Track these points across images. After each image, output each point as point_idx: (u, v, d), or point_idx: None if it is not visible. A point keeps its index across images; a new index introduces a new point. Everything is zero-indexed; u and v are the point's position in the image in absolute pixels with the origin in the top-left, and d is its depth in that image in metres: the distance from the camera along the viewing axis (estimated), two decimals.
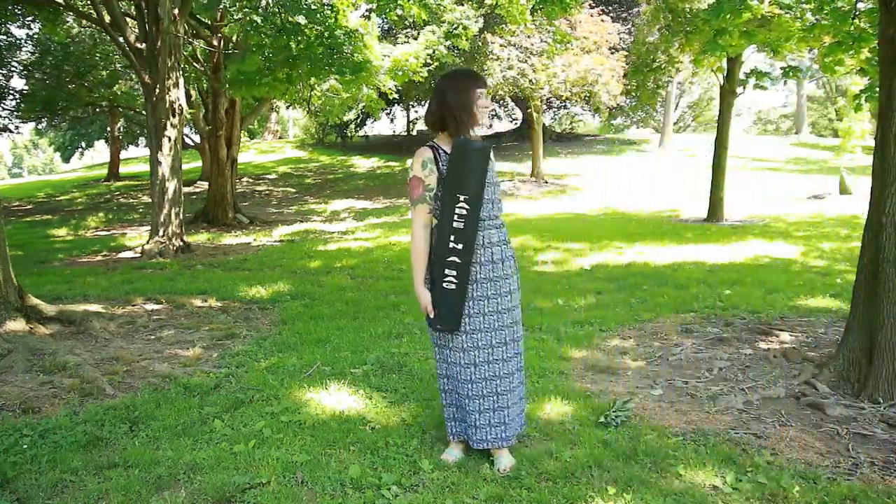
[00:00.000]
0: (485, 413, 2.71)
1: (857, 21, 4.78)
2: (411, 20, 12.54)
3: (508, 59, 17.22)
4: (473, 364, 2.68)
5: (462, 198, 2.54)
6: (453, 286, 2.58)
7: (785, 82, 8.43)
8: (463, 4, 13.57)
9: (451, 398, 2.83)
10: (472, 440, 2.74)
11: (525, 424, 2.93)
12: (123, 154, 27.51)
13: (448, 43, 13.14)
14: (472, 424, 2.72)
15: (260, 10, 10.40)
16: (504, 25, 16.14)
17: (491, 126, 35.42)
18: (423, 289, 2.66)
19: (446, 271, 2.58)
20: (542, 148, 20.29)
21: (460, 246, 2.56)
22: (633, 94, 16.65)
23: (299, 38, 9.71)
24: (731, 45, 6.06)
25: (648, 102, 17.81)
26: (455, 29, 12.94)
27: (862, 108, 5.34)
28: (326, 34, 9.87)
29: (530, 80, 17.19)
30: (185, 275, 7.72)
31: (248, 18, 10.75)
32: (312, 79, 11.29)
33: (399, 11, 11.04)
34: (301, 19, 9.70)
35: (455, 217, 2.55)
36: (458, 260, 2.57)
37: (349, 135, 30.93)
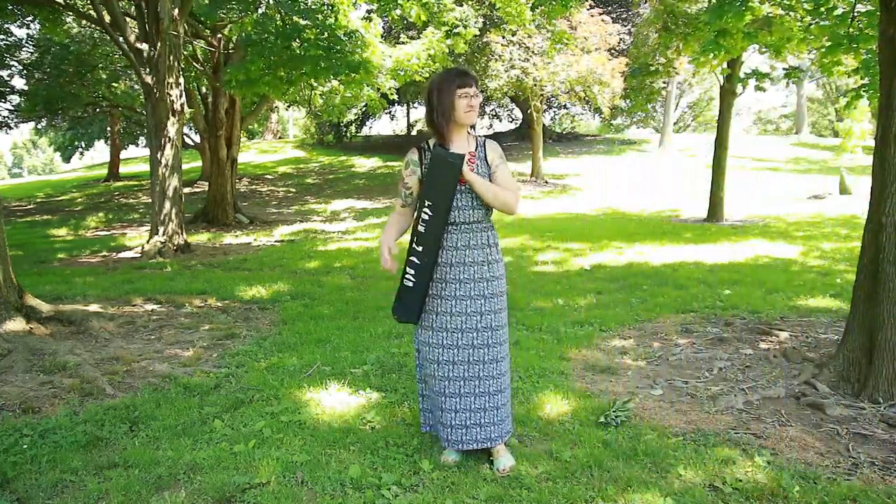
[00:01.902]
0: (447, 413, 2.77)
1: (854, 23, 4.78)
2: (411, 21, 12.54)
3: (511, 58, 17.24)
4: (437, 362, 2.76)
5: (427, 204, 2.68)
6: (411, 284, 2.74)
7: (787, 84, 8.44)
8: (462, 4, 13.56)
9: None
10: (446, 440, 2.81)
11: (458, 442, 2.75)
12: (123, 154, 27.48)
13: (449, 42, 13.14)
14: (446, 424, 2.78)
15: (258, 13, 10.39)
16: (505, 25, 16.15)
17: (491, 126, 35.46)
18: (385, 248, 2.76)
19: (407, 269, 2.74)
20: (543, 148, 20.30)
21: (420, 248, 2.71)
22: (631, 97, 16.71)
23: (298, 39, 9.71)
24: (732, 45, 6.06)
25: (642, 109, 17.90)
26: (455, 29, 12.94)
27: (853, 105, 5.33)
28: (326, 34, 9.87)
29: (533, 79, 17.20)
30: (185, 275, 7.72)
31: (245, 23, 10.73)
32: (313, 79, 11.29)
33: (398, 12, 11.03)
34: (301, 20, 9.70)
35: (420, 221, 2.72)
36: (416, 261, 2.72)
37: (348, 136, 30.92)
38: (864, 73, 5.21)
